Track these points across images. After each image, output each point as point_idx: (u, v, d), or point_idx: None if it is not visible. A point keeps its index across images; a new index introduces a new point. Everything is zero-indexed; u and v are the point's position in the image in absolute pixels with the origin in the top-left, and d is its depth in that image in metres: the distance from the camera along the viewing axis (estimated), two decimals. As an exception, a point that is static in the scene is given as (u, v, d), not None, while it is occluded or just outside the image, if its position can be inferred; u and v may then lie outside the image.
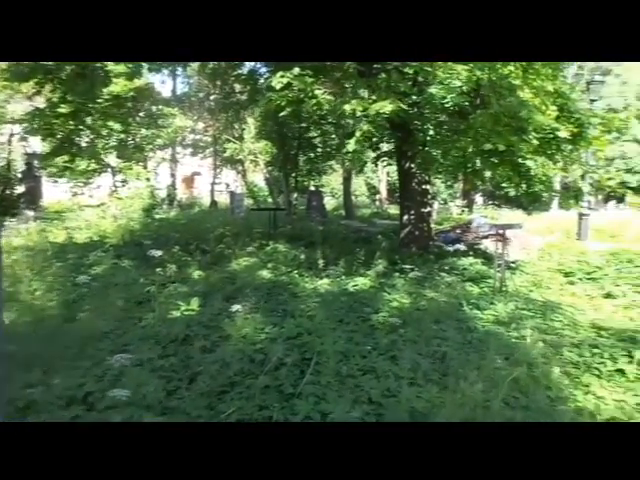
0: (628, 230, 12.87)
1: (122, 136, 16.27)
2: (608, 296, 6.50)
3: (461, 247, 8.47)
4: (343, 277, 6.43)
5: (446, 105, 6.86)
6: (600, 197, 29.68)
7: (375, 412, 2.87)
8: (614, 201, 26.73)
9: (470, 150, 6.88)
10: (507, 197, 23.97)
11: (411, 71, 5.87)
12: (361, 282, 6.01)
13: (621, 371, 3.78)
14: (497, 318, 4.85)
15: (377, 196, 29.88)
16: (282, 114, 6.05)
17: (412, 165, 8.22)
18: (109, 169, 17.56)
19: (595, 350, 4.10)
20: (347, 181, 20.29)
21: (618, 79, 29.37)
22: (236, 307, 4.27)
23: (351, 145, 5.72)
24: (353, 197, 33.36)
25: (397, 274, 6.56)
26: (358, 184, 37.95)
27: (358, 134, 5.69)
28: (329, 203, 28.36)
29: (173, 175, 25.06)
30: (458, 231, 11.55)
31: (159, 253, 5.79)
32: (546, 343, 4.20)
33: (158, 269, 5.62)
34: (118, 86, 13.13)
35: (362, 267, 6.96)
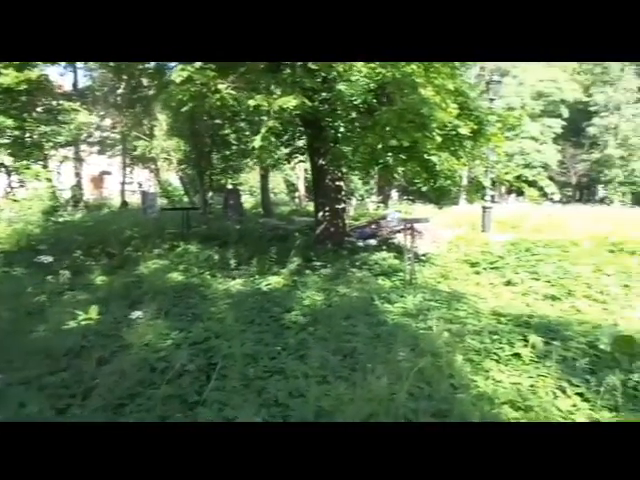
0: (526, 221, 13.86)
1: (16, 133, 14.97)
2: (508, 283, 6.91)
3: (374, 242, 8.65)
4: (257, 276, 6.32)
5: (355, 102, 6.95)
6: (504, 191, 31.86)
7: (282, 414, 2.80)
8: (514, 194, 28.76)
9: (379, 146, 7.01)
10: (420, 192, 24.96)
11: (314, 67, 5.86)
12: (274, 281, 5.93)
13: (517, 355, 4.00)
14: (406, 310, 4.97)
15: (296, 193, 29.95)
16: (184, 109, 5.81)
17: (325, 162, 8.27)
18: (3, 169, 16.09)
19: (495, 336, 4.31)
20: (264, 179, 20.11)
21: (515, 80, 31.67)
22: (137, 313, 4.02)
23: (257, 142, 5.62)
24: (272, 195, 33.20)
25: (311, 271, 6.56)
26: (277, 182, 37.86)
27: (263, 130, 5.60)
28: (248, 201, 27.98)
29: (78, 174, 23.45)
30: (373, 226, 11.82)
31: (50, 259, 5.32)
32: (450, 332, 4.34)
33: (49, 276, 5.17)
34: (8, 77, 12.00)
35: (277, 265, 6.89)
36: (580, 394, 3.37)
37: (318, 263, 6.80)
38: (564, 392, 3.41)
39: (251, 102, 5.33)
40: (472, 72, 30.45)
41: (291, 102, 5.26)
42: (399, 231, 11.25)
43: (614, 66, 32.09)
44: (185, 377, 3.19)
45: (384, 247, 8.52)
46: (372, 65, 5.55)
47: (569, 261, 7.58)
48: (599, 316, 5.30)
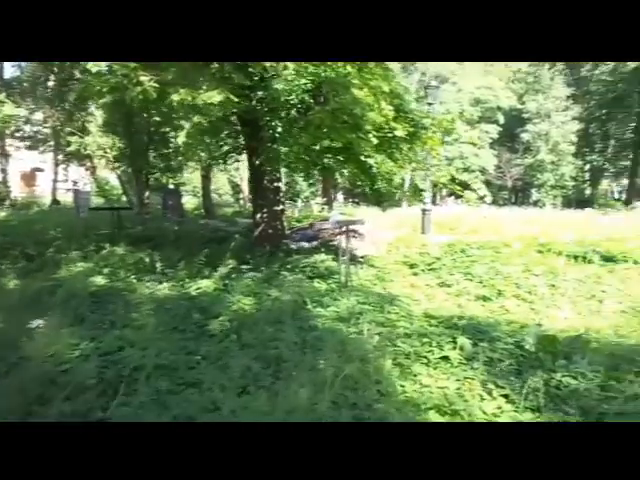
0: (464, 223, 14.20)
1: None
2: (443, 285, 6.98)
3: (307, 244, 8.56)
4: (187, 280, 6.03)
5: (291, 102, 6.81)
6: (444, 193, 32.77)
7: (194, 431, 2.59)
8: (453, 197, 29.65)
9: (317, 148, 6.91)
10: (365, 194, 25.24)
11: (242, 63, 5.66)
12: (204, 285, 5.68)
13: (446, 358, 3.96)
14: (338, 314, 4.86)
15: (241, 195, 29.50)
16: (102, 101, 5.46)
17: (261, 162, 8.07)
18: None
19: (425, 339, 4.25)
20: (206, 179, 19.59)
21: (454, 87, 32.67)
22: (37, 322, 3.66)
23: (181, 138, 5.35)
24: (216, 196, 32.55)
25: (244, 274, 6.34)
26: (222, 182, 37.22)
27: (188, 126, 5.34)
28: (190, 202, 27.29)
29: (4, 171, 21.97)
30: (315, 228, 11.72)
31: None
32: (381, 336, 4.27)
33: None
34: None
35: (210, 268, 6.62)
36: (505, 396, 3.37)
37: (252, 266, 6.59)
38: (490, 394, 3.40)
39: (175, 97, 5.04)
40: (414, 77, 31.19)
41: (216, 97, 5.02)
42: (341, 233, 11.24)
43: (545, 75, 33.77)
44: (90, 392, 2.91)
45: (322, 249, 8.42)
46: (304, 64, 5.41)
47: (501, 262, 7.75)
48: (527, 316, 5.43)
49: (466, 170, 31.51)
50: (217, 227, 14.16)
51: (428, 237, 11.57)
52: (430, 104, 12.05)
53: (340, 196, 34.51)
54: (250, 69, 5.75)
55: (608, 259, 7.62)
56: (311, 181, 29.26)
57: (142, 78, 4.97)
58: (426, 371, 3.76)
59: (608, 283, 6.37)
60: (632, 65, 31.39)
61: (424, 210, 12.57)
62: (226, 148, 9.48)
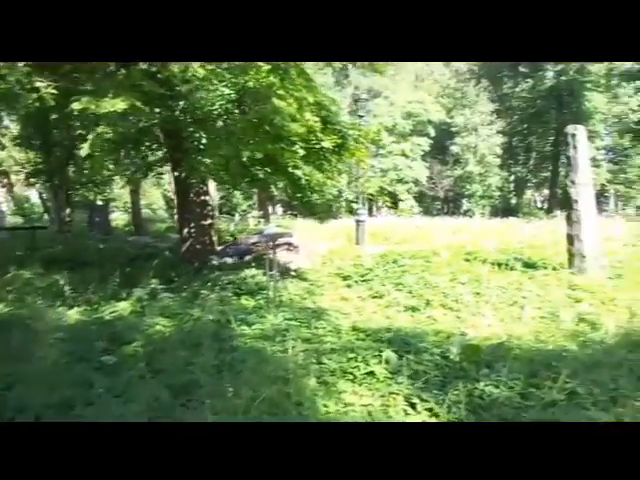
0: (397, 233, 14.41)
1: None
2: (375, 296, 6.92)
3: (235, 260, 8.30)
4: (102, 303, 5.60)
5: (216, 112, 6.60)
6: (381, 204, 33.39)
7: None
8: (386, 208, 30.29)
9: (244, 159, 6.71)
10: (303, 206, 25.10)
11: (152, 69, 5.38)
12: (121, 307, 5.28)
13: (372, 373, 3.84)
14: (263, 332, 4.64)
15: (174, 210, 28.59)
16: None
17: (186, 175, 7.75)
18: None
19: (351, 354, 4.11)
20: (135, 194, 18.79)
21: (387, 100, 33.57)
22: None
23: (85, 149, 4.98)
24: (149, 211, 31.37)
25: (165, 294, 5.97)
26: (156, 197, 36.02)
27: (92, 136, 4.98)
28: (121, 218, 26.16)
29: None
30: (245, 242, 11.43)
31: None
32: (307, 353, 4.10)
33: None
34: None
35: (128, 289, 6.19)
36: (429, 409, 3.30)
37: (175, 284, 6.25)
38: (414, 408, 3.32)
39: (76, 105, 4.67)
40: (347, 91, 31.75)
41: (119, 105, 4.69)
42: (274, 247, 11.02)
43: (471, 91, 35.46)
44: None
45: (254, 264, 8.17)
46: (222, 72, 5.22)
47: (430, 271, 7.81)
48: (453, 325, 5.43)
49: (400, 181, 32.30)
50: (146, 243, 13.58)
51: (362, 248, 11.58)
52: (361, 116, 12.24)
53: (279, 209, 34.30)
54: (159, 75, 5.46)
55: (529, 266, 7.88)
56: (247, 194, 28.87)
57: (38, 84, 4.57)
58: (351, 388, 3.62)
59: (529, 289, 6.53)
60: (549, 83, 33.70)
61: (358, 221, 12.64)
62: (150, 159, 9.05)
